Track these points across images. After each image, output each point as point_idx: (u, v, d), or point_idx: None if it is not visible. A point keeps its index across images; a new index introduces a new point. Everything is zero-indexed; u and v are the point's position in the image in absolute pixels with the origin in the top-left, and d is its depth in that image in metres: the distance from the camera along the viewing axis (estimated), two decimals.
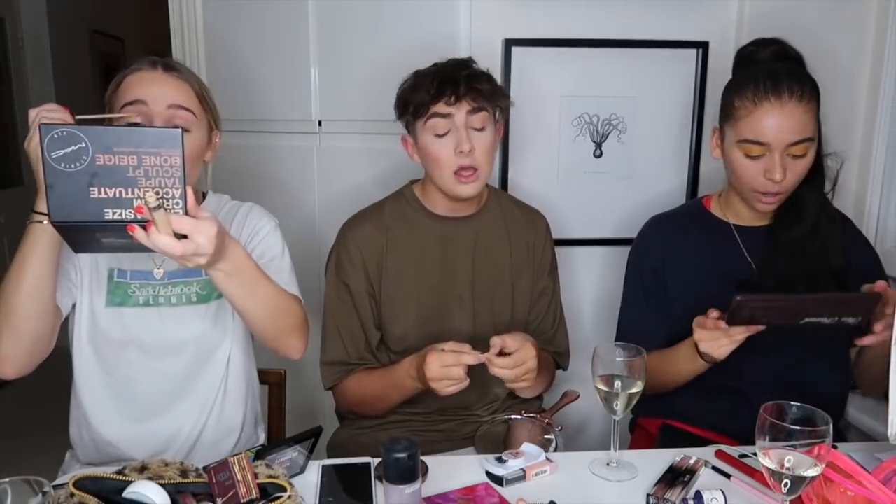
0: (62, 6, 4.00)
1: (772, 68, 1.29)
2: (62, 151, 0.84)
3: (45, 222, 1.02)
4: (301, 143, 2.02)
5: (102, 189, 0.85)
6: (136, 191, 0.86)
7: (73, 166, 0.84)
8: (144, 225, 0.87)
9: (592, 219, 1.92)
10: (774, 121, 1.25)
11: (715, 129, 1.38)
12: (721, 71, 1.79)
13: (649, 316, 1.44)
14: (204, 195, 1.34)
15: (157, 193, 0.86)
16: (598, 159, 1.89)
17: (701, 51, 1.84)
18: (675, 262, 1.42)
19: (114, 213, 0.86)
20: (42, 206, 1.01)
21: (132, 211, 0.86)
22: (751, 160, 1.28)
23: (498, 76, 1.75)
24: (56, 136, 0.83)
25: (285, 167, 2.07)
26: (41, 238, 1.05)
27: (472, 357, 1.21)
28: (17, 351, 1.12)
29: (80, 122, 0.91)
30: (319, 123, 2.00)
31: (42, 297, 1.10)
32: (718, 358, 1.22)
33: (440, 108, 1.31)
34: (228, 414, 1.32)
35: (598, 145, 1.88)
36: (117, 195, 0.86)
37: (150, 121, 1.15)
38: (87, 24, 4.43)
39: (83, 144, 0.84)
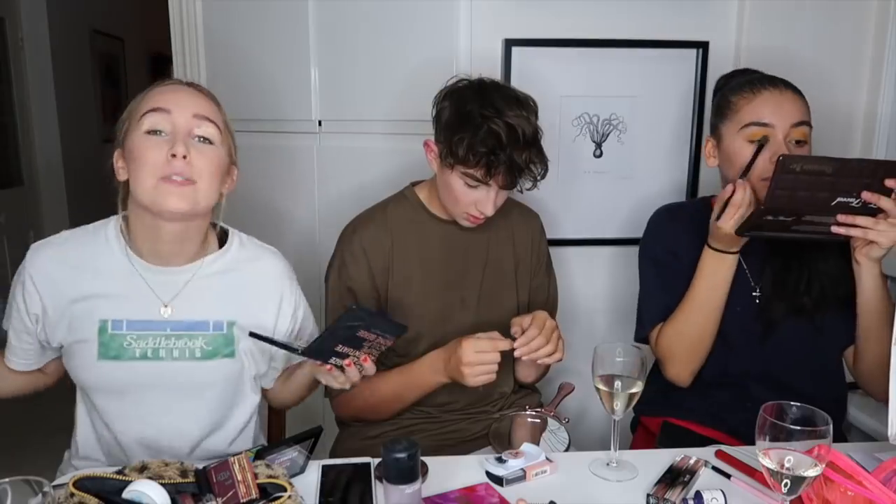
0: (62, 6, 4.00)
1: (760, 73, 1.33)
2: (349, 324, 1.06)
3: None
4: (301, 143, 2.02)
5: (344, 346, 1.08)
6: (356, 352, 1.11)
7: (343, 332, 1.07)
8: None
9: (592, 219, 1.92)
10: (775, 103, 1.29)
11: (708, 139, 1.40)
12: (721, 71, 1.79)
13: (669, 290, 1.40)
14: (224, 231, 1.26)
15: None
16: (598, 159, 1.89)
17: (701, 51, 1.83)
18: (686, 246, 1.40)
19: (333, 360, 1.10)
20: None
21: (342, 361, 1.10)
22: (756, 145, 1.28)
23: (498, 76, 1.75)
24: (357, 313, 1.07)
25: (285, 167, 2.06)
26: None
27: (505, 343, 1.24)
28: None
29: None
30: (319, 123, 2.00)
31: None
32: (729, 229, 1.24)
33: (484, 177, 1.28)
34: (239, 440, 1.28)
35: (598, 145, 1.88)
36: (347, 351, 1.09)
37: (173, 130, 1.09)
38: (87, 24, 4.44)
39: (361, 323, 1.07)
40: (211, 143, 1.12)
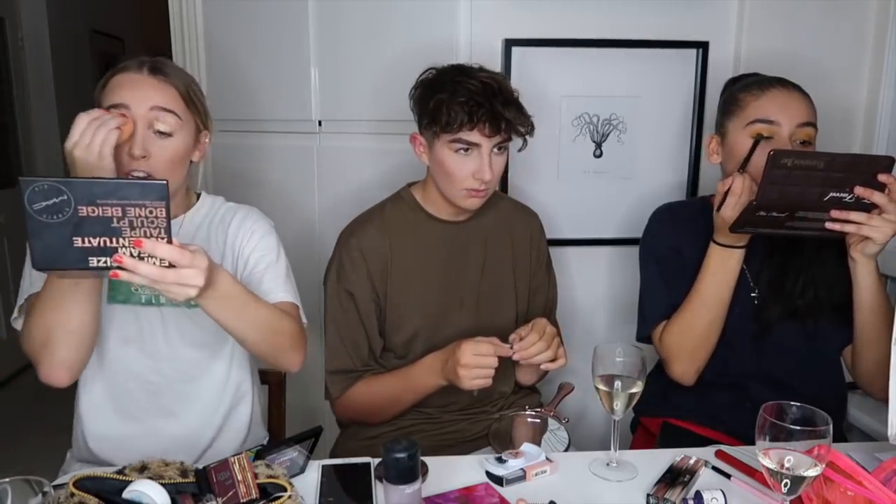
0: (62, 6, 4.00)
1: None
2: (44, 203, 0.85)
3: None
4: (301, 144, 2.02)
5: (86, 239, 0.86)
6: (121, 240, 0.87)
7: (55, 217, 0.85)
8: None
9: (592, 219, 1.92)
10: (782, 101, 1.29)
11: (712, 136, 1.40)
12: (721, 71, 1.80)
13: (672, 287, 1.40)
14: (198, 196, 1.33)
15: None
16: (598, 159, 1.89)
17: (701, 51, 1.83)
18: (688, 244, 1.40)
19: (98, 261, 0.88)
20: None
21: (111, 261, 0.88)
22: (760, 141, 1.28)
23: None
24: (37, 188, 0.84)
25: (285, 167, 2.06)
26: None
27: (505, 348, 1.25)
28: (75, 356, 1.12)
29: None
30: (319, 123, 2.00)
31: (97, 301, 1.11)
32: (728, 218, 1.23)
33: (472, 136, 1.28)
34: (236, 415, 1.32)
35: (598, 145, 1.88)
36: (101, 244, 0.87)
37: (134, 122, 1.14)
38: (87, 24, 4.43)
39: (65, 197, 0.85)
40: (170, 135, 1.16)
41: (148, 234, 0.88)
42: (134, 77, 1.18)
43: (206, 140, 1.27)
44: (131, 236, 0.87)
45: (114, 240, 0.87)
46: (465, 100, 1.26)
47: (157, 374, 1.24)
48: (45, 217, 0.85)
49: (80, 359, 1.14)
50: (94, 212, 0.86)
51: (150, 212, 0.87)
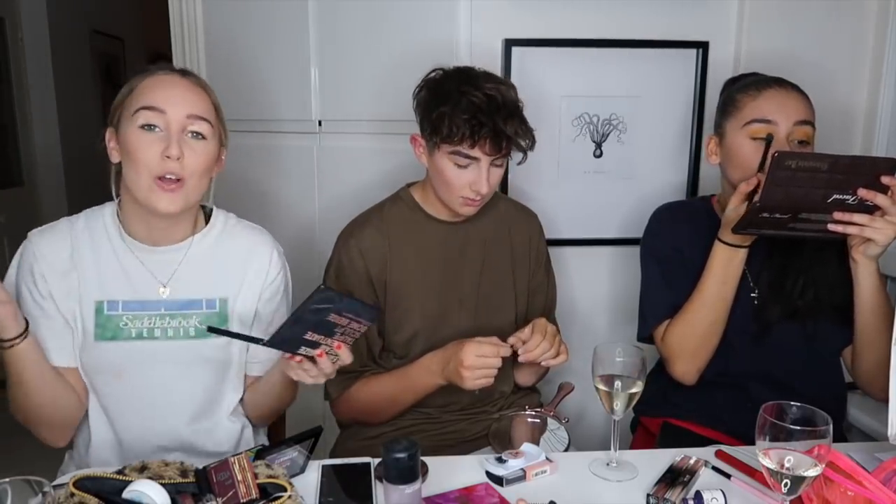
0: (62, 6, 4.00)
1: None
2: (319, 306, 0.98)
3: (15, 344, 1.09)
4: (301, 143, 2.02)
5: (314, 334, 1.01)
6: (329, 339, 1.03)
7: (311, 316, 0.98)
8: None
9: (592, 219, 1.91)
10: (779, 101, 1.29)
11: (710, 137, 1.40)
12: (721, 71, 1.80)
13: (673, 287, 1.40)
14: (204, 210, 1.28)
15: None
16: (598, 159, 1.89)
17: (701, 51, 1.83)
18: (689, 243, 1.41)
19: (303, 349, 1.03)
20: (6, 333, 1.08)
21: (314, 352, 1.04)
22: (758, 142, 1.28)
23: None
24: (327, 295, 0.98)
25: (285, 167, 2.07)
26: (24, 355, 1.11)
27: (507, 348, 1.26)
28: (60, 431, 1.23)
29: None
30: (319, 123, 2.00)
31: (55, 387, 1.17)
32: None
33: (473, 152, 1.28)
34: (244, 439, 1.30)
35: (598, 145, 1.88)
36: (318, 339, 1.03)
37: (167, 127, 1.12)
38: (87, 24, 4.43)
39: (332, 306, 0.99)
40: (204, 137, 1.15)
41: (345, 340, 1.05)
42: (169, 78, 1.15)
43: (224, 157, 1.24)
44: (336, 339, 1.04)
45: (325, 339, 1.03)
46: (469, 116, 1.25)
47: (154, 408, 1.20)
48: (307, 314, 0.98)
49: (62, 434, 1.24)
50: (335, 319, 1.00)
51: (359, 325, 1.04)
